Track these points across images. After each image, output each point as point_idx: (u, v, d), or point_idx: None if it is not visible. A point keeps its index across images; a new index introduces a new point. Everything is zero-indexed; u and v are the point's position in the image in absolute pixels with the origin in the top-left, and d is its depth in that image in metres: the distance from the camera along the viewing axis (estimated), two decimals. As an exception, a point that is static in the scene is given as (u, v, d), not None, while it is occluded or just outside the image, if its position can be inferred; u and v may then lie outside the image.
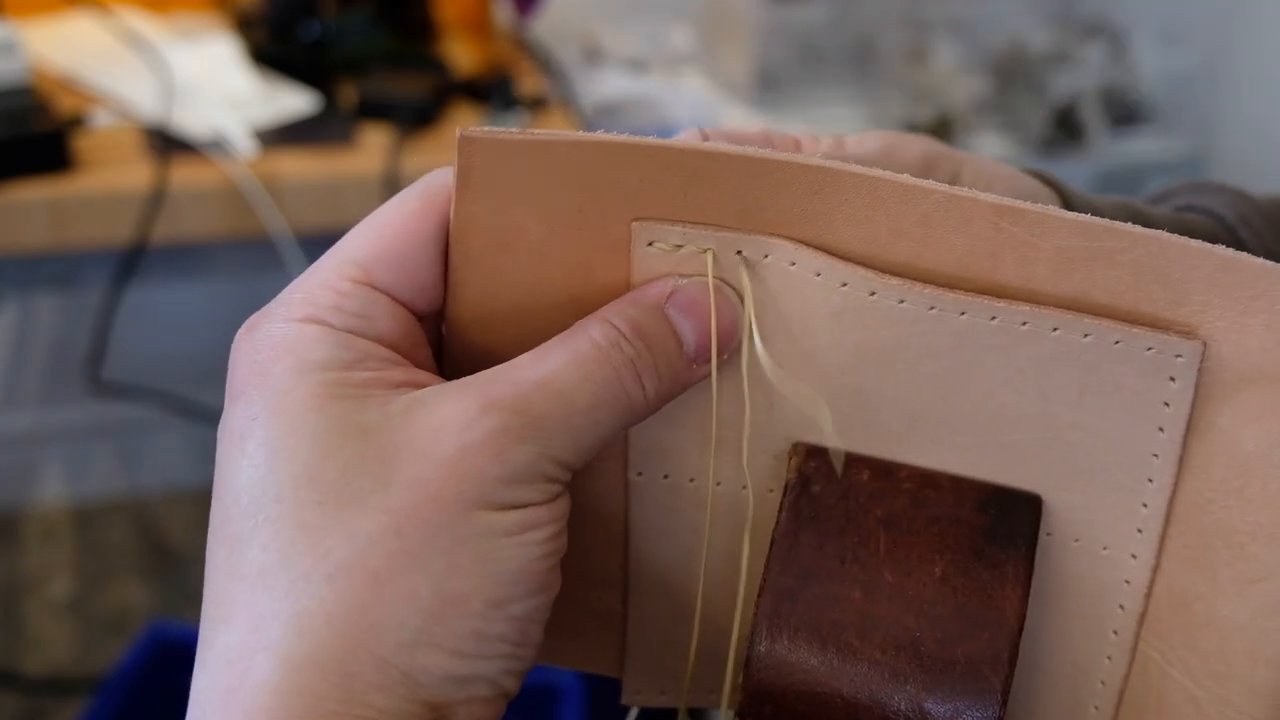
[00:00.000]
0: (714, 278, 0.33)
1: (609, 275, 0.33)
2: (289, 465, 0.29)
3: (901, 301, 0.32)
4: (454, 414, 0.29)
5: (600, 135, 0.31)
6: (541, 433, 0.30)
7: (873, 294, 0.32)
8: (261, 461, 0.29)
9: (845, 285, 0.32)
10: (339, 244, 0.32)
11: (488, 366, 0.31)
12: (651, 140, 0.31)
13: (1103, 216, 0.30)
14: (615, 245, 0.32)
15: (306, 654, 0.27)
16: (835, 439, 0.34)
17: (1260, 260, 0.30)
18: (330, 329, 0.30)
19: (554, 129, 0.31)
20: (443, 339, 0.34)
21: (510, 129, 0.30)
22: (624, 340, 0.32)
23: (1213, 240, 0.30)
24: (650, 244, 0.32)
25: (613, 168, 0.31)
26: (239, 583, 0.28)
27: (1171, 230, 0.30)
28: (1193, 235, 0.31)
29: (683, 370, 0.33)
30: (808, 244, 0.32)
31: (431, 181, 0.33)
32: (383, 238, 0.32)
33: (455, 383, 0.30)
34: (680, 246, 0.32)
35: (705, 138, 0.34)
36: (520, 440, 0.29)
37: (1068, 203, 0.42)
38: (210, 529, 0.30)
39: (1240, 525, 0.31)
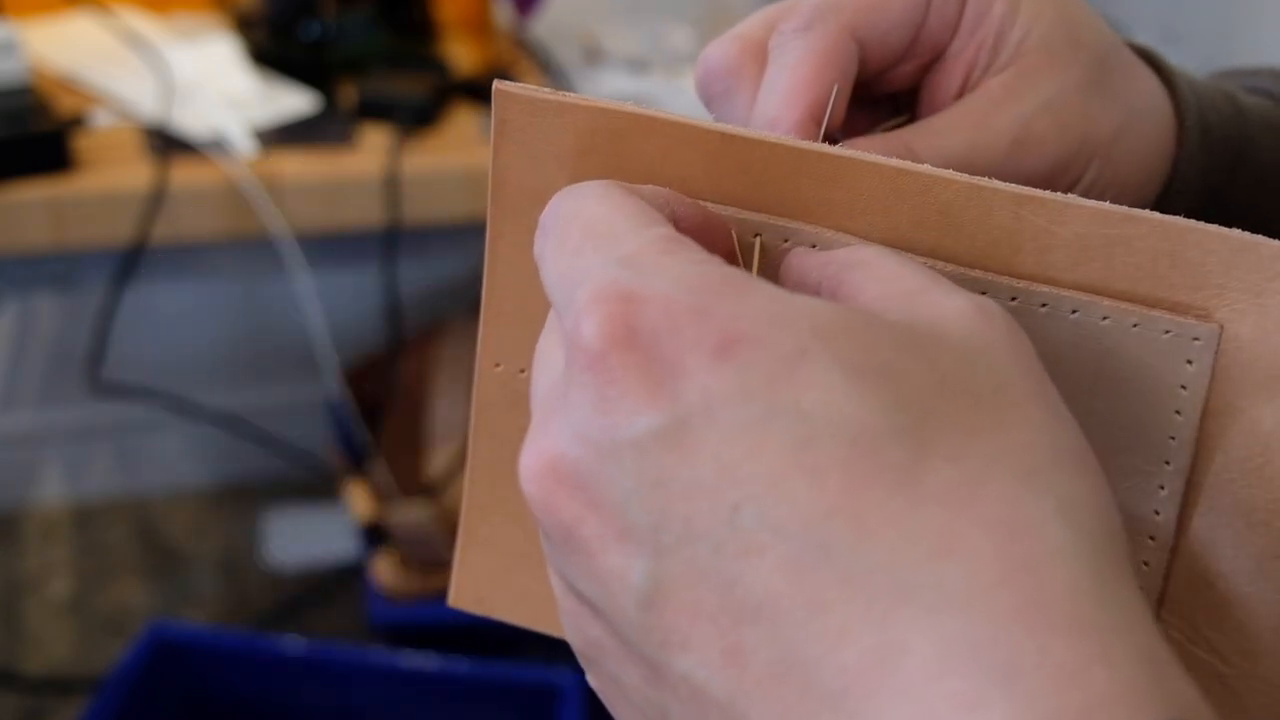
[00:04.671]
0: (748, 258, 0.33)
1: None
2: None
3: None
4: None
5: (623, 105, 0.32)
6: None
7: None
8: None
9: None
10: None
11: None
12: (673, 115, 0.31)
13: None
14: None
15: None
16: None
17: (1276, 242, 0.30)
18: None
19: (586, 96, 0.33)
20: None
21: (543, 89, 0.32)
22: None
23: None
24: None
25: (635, 138, 0.32)
26: None
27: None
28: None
29: None
30: (830, 229, 0.32)
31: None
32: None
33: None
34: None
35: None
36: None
37: (1169, 80, 0.42)
38: None
39: (1261, 503, 0.31)
